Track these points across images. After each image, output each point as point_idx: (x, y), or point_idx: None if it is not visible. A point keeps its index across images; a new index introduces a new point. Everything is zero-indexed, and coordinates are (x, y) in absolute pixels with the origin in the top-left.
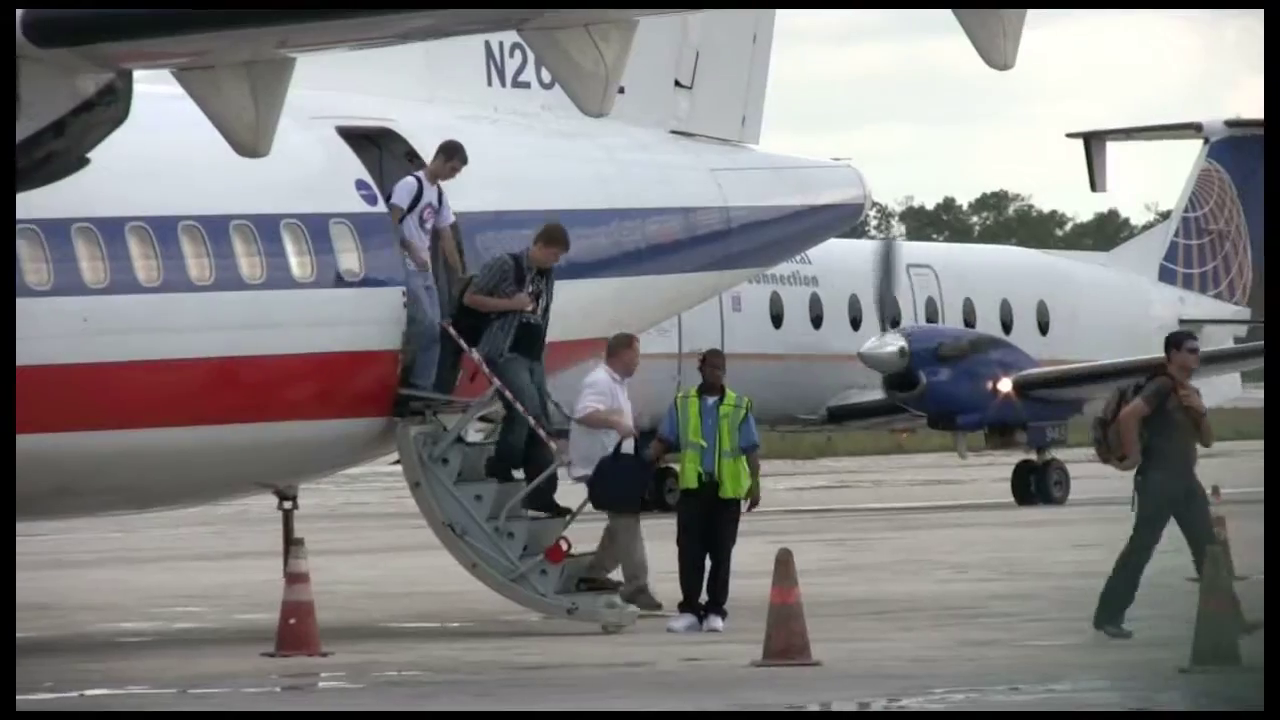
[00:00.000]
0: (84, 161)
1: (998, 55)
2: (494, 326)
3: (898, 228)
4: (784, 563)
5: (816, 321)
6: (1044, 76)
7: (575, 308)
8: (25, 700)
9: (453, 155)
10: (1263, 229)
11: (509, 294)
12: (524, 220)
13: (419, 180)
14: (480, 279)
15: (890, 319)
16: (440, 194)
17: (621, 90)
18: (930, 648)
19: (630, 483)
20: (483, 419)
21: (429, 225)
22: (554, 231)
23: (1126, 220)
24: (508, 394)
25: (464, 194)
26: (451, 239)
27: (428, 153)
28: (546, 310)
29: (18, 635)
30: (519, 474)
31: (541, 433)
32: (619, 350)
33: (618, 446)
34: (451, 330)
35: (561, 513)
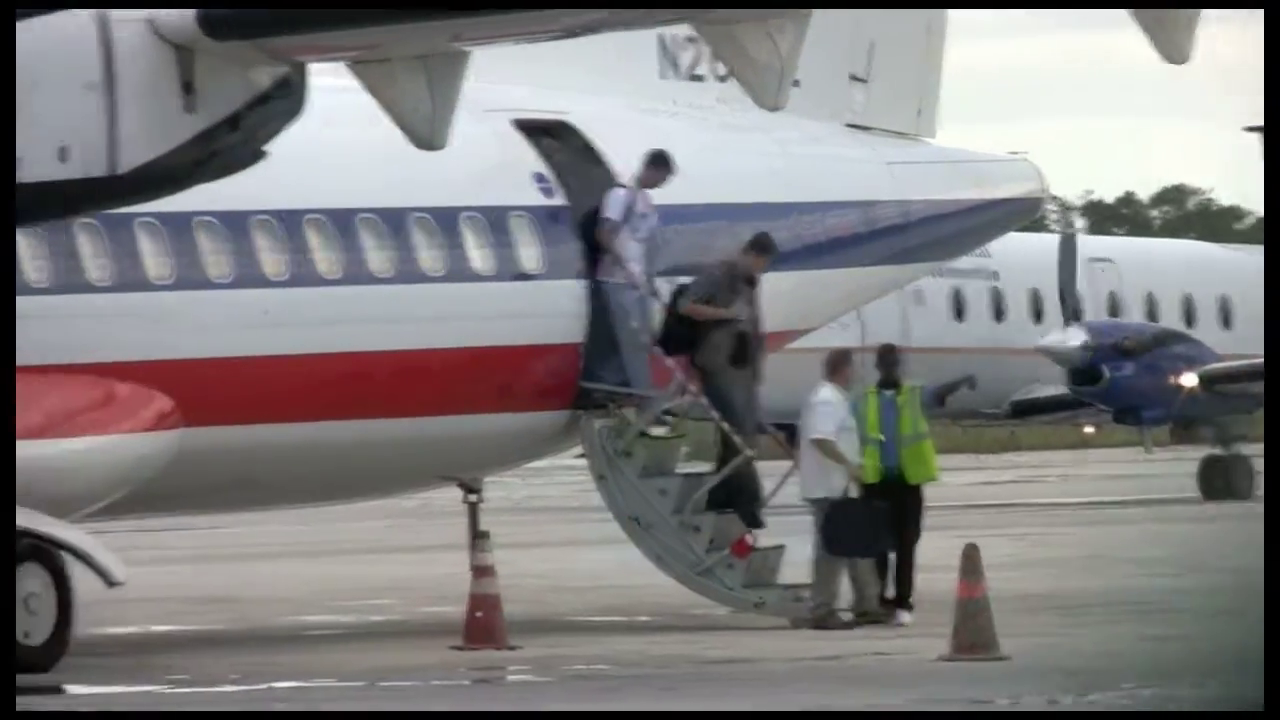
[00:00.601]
0: (261, 154)
1: (1174, 51)
2: (713, 337)
3: (1078, 222)
4: (970, 557)
5: (998, 315)
6: (1220, 69)
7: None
8: (211, 693)
9: (661, 165)
10: None
11: (726, 303)
12: (700, 214)
13: (630, 191)
14: (696, 288)
15: (1072, 313)
16: (649, 201)
17: (797, 83)
18: (1116, 643)
19: (862, 533)
20: (667, 413)
21: (640, 235)
22: (764, 240)
23: None
24: (725, 427)
25: None
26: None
27: (603, 145)
28: (757, 319)
29: (204, 627)
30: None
31: (736, 438)
32: (841, 366)
33: (845, 489)
34: (657, 349)
35: (757, 523)
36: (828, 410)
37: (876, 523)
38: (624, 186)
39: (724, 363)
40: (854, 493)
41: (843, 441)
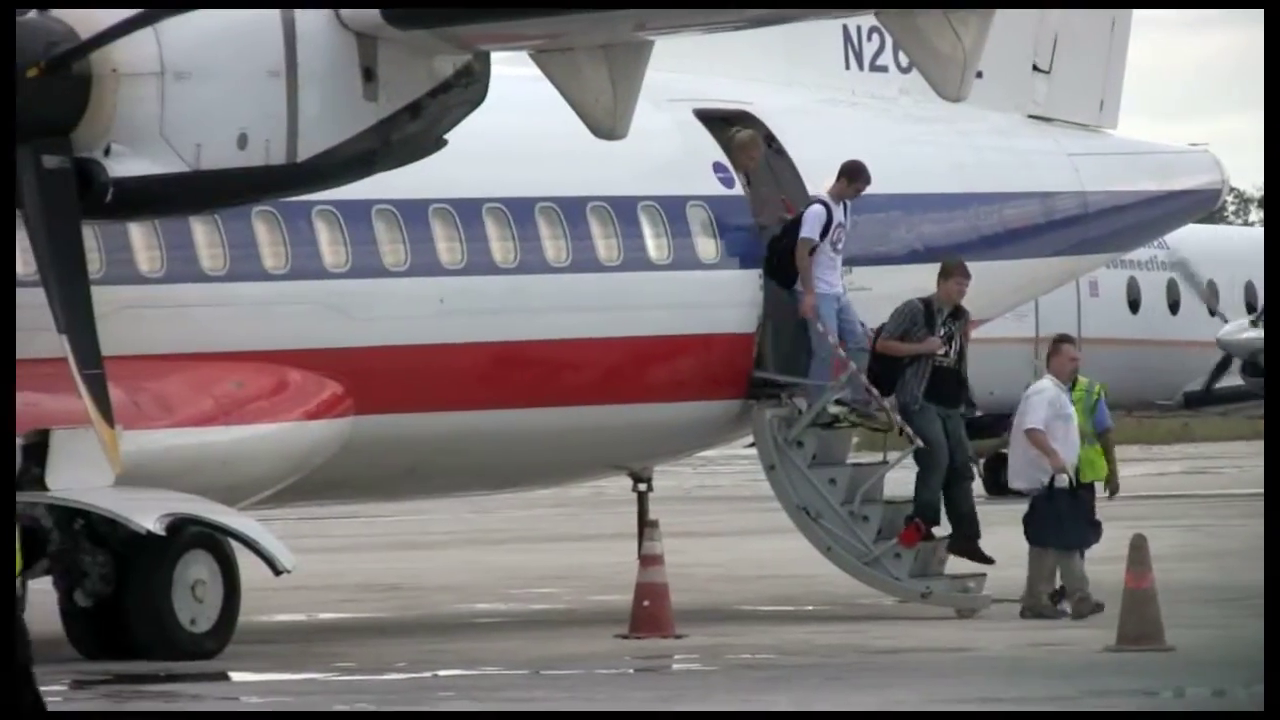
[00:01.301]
0: (441, 143)
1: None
2: (907, 373)
3: (1255, 214)
4: (1138, 548)
5: (1174, 307)
6: None
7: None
8: (377, 680)
9: (856, 177)
10: None
11: (919, 338)
12: (880, 205)
13: (826, 205)
14: (890, 324)
15: (1248, 304)
16: (846, 211)
17: (979, 74)
18: None
19: (1062, 527)
20: (839, 402)
21: (840, 246)
22: (949, 264)
23: None
24: (897, 419)
25: (823, 178)
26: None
27: (785, 136)
28: (961, 352)
29: (371, 615)
30: (940, 530)
31: (909, 434)
32: (1051, 355)
33: (1051, 481)
34: (815, 322)
35: (986, 560)
36: (1039, 401)
37: (1078, 517)
38: (821, 201)
39: (918, 398)
40: (1061, 484)
41: (1058, 431)
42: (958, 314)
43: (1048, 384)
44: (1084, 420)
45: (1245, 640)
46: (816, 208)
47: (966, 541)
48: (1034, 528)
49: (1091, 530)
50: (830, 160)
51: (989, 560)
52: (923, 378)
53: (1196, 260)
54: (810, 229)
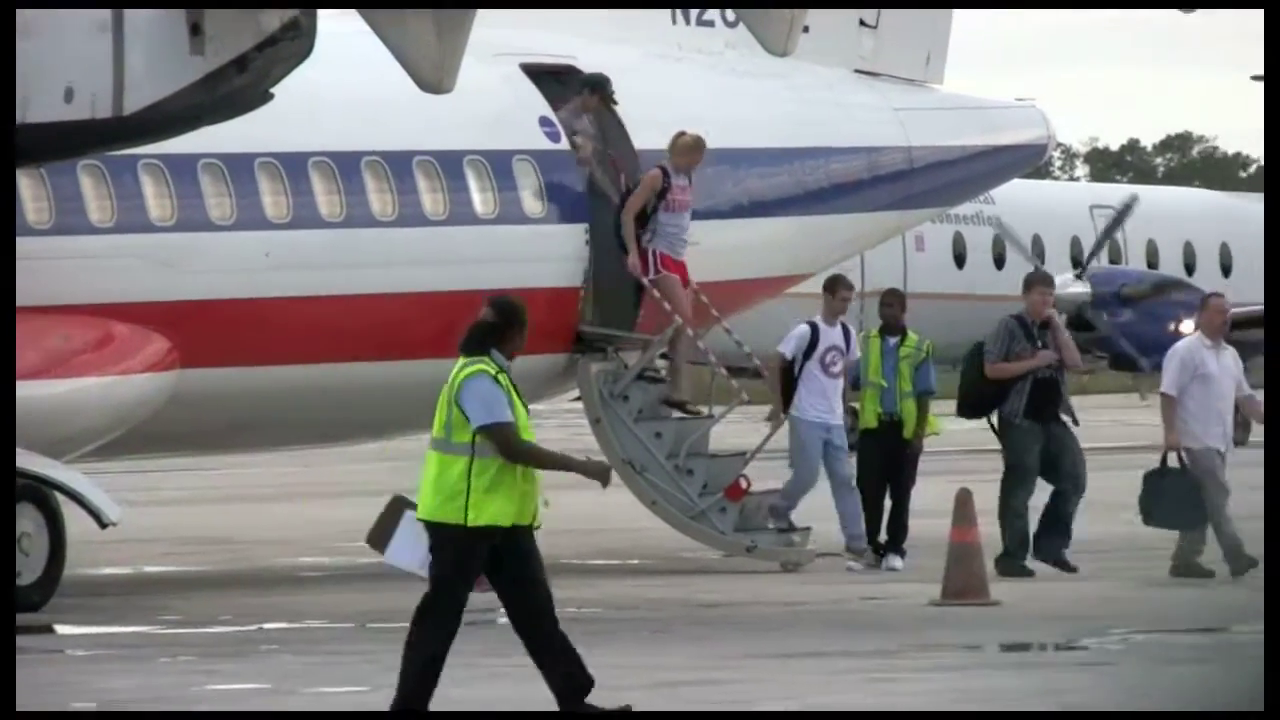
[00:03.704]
0: (267, 96)
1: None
2: (1012, 389)
3: (1081, 169)
4: (963, 502)
5: (999, 262)
6: (1228, 18)
7: (756, 246)
8: (203, 634)
9: (834, 288)
10: None
11: (1026, 354)
12: (706, 159)
13: (812, 326)
14: (991, 347)
15: (1073, 259)
16: (846, 332)
17: (806, 29)
18: (1109, 589)
19: (1180, 504)
20: (664, 356)
21: (836, 369)
22: (1030, 277)
23: None
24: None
25: (647, 133)
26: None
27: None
28: (1060, 363)
29: (197, 569)
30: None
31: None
32: (1199, 310)
33: (1163, 458)
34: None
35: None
36: (1170, 364)
37: (1189, 498)
38: (809, 322)
39: (1018, 412)
40: (1172, 462)
41: (1195, 392)
42: (1047, 324)
43: (1182, 344)
44: (910, 375)
45: (1070, 594)
46: (801, 327)
47: (1056, 552)
48: (1155, 512)
49: (1204, 510)
50: (657, 115)
51: (1072, 569)
52: (1024, 393)
53: (1020, 216)
54: (785, 345)
